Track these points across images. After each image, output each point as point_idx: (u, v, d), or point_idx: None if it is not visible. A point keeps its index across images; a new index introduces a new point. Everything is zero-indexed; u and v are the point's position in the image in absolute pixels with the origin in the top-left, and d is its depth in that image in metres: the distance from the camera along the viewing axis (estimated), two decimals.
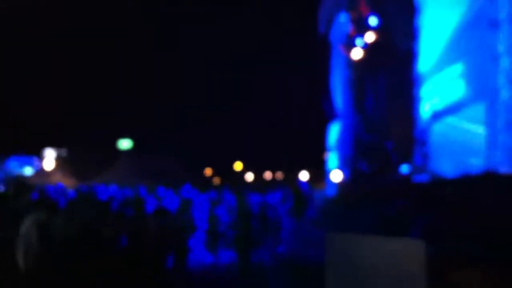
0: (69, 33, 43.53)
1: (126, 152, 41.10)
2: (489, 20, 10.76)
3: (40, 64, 42.56)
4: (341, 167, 22.19)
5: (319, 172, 28.14)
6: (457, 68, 12.39)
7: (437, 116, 13.72)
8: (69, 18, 42.98)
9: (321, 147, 27.18)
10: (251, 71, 45.70)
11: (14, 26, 36.84)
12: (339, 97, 22.95)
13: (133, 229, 8.28)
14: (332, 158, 24.54)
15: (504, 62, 10.54)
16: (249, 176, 54.35)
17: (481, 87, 10.98)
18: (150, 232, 8.48)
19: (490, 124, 10.51)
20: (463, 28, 12.30)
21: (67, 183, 27.01)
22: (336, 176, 21.73)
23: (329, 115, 23.88)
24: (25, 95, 41.67)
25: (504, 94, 10.46)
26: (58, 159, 44.32)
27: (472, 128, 12.35)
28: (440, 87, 13.36)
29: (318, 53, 25.72)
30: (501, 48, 10.59)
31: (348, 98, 22.29)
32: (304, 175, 38.59)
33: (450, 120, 13.44)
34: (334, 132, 24.25)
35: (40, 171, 41.94)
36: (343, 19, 21.43)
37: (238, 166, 54.45)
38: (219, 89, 47.87)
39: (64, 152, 45.28)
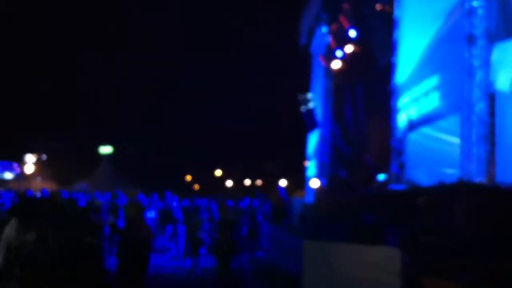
0: (49, 41, 43.43)
1: (107, 158, 40.95)
2: (465, 35, 11.01)
3: (21, 70, 42.41)
4: (320, 175, 22.45)
5: (299, 179, 28.38)
6: (433, 81, 12.68)
7: (413, 126, 14.00)
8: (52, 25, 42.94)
9: (301, 155, 27.46)
10: (232, 80, 45.88)
11: None
12: (318, 106, 23.24)
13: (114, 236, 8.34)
14: (311, 166, 24.79)
15: (479, 76, 10.81)
16: (229, 183, 54.44)
17: (457, 100, 11.25)
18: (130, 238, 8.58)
19: (464, 136, 10.76)
20: (440, 42, 12.59)
21: (47, 187, 26.86)
22: (315, 184, 21.99)
23: (309, 124, 24.13)
24: (4, 101, 41.43)
25: (478, 107, 10.72)
26: (38, 163, 44.05)
27: (448, 139, 12.65)
28: (416, 98, 13.64)
29: (299, 63, 26.06)
30: (476, 62, 10.86)
31: (327, 108, 22.61)
32: (283, 182, 38.76)
33: (426, 130, 13.73)
34: (313, 140, 24.51)
35: (20, 176, 41.68)
36: (323, 31, 21.82)
37: (218, 172, 54.54)
38: (201, 97, 47.97)
39: (44, 157, 45.02)
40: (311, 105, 23.57)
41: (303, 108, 23.97)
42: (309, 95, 24.01)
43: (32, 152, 43.57)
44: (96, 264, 6.20)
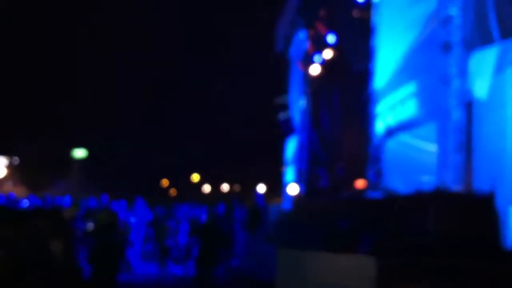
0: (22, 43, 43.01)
1: (80, 162, 40.66)
2: (442, 43, 11.05)
3: None
4: (297, 181, 22.48)
5: (276, 185, 28.42)
6: (410, 88, 12.74)
7: (390, 133, 14.06)
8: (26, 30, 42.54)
9: (278, 161, 27.49)
10: (209, 84, 45.82)
11: None
12: (296, 112, 23.30)
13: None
14: (288, 172, 24.84)
15: (455, 84, 10.84)
16: (206, 188, 54.33)
17: (433, 107, 11.31)
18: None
19: (441, 143, 10.80)
20: (417, 50, 12.66)
21: (19, 192, 26.53)
22: (292, 190, 22.00)
23: (286, 130, 24.21)
24: None
25: (455, 115, 10.75)
26: (10, 167, 43.39)
27: (424, 146, 12.70)
28: (393, 105, 13.70)
29: (277, 68, 26.14)
30: (452, 70, 10.89)
31: (305, 114, 22.67)
32: (261, 188, 38.78)
33: (403, 138, 13.78)
34: (291, 146, 24.57)
35: None
36: (301, 36, 21.88)
37: (195, 177, 54.36)
38: (178, 101, 47.78)
39: (16, 160, 44.35)
40: (288, 111, 23.67)
41: (280, 114, 24.06)
42: (286, 100, 24.09)
43: (4, 154, 42.90)
44: (65, 269, 6.01)
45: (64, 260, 5.82)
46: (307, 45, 21.47)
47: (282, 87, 25.64)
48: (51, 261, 5.38)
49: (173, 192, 51.15)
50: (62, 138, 42.45)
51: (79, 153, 41.94)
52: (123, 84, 45.46)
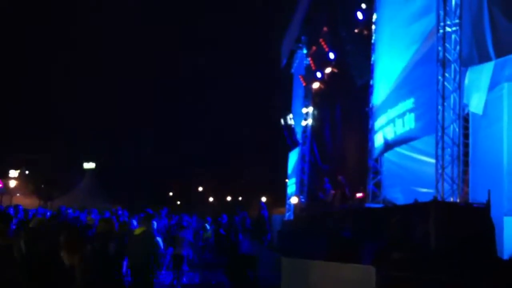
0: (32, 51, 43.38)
1: (89, 174, 40.80)
2: (440, 59, 11.34)
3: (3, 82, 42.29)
4: (299, 192, 22.77)
5: (280, 196, 28.66)
6: (409, 103, 12.98)
7: (389, 146, 14.30)
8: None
9: (282, 172, 27.77)
10: (216, 95, 46.17)
11: None
12: (298, 125, 23.63)
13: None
14: (291, 184, 25.11)
15: (453, 99, 11.16)
16: (211, 198, 54.45)
17: (431, 121, 11.54)
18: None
19: (438, 156, 11.06)
20: (415, 65, 12.92)
21: (30, 203, 26.66)
22: (294, 201, 22.31)
23: (290, 143, 24.51)
24: None
25: (452, 129, 11.06)
26: (20, 179, 43.58)
27: (423, 159, 13.02)
28: (392, 119, 13.92)
29: (280, 83, 26.52)
30: (450, 85, 11.21)
31: (306, 127, 22.99)
32: (264, 199, 38.98)
33: (402, 151, 14.10)
34: (293, 159, 24.85)
35: (2, 191, 41.16)
36: (304, 52, 22.27)
37: (200, 188, 54.53)
38: (185, 114, 48.18)
39: (26, 172, 44.56)
40: (292, 124, 23.99)
41: (284, 127, 24.37)
42: (290, 115, 24.42)
43: (14, 167, 43.06)
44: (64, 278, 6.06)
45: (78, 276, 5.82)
46: (309, 60, 21.86)
47: (286, 101, 25.96)
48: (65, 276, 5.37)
49: (178, 202, 51.26)
50: (72, 150, 42.75)
51: (88, 165, 42.14)
52: (133, 96, 45.88)
